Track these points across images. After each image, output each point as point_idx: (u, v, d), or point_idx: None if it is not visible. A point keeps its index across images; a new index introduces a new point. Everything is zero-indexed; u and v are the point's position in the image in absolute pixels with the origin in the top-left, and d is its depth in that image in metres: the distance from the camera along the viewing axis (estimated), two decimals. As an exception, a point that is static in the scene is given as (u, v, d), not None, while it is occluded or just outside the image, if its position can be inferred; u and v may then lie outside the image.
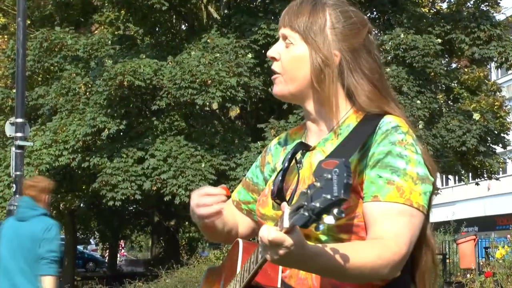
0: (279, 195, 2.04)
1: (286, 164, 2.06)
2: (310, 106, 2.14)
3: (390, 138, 2.00)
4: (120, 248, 52.38)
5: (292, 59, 2.10)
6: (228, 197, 2.25)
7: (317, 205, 1.61)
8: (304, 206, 1.64)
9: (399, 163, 1.97)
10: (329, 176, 1.63)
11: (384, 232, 1.91)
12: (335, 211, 1.61)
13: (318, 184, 1.64)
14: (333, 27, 2.09)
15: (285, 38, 2.13)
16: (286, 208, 1.71)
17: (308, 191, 1.66)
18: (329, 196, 1.60)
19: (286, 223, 1.69)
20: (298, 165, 2.10)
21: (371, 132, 2.02)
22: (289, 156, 2.08)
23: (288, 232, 1.70)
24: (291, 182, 2.09)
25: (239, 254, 2.13)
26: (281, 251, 1.72)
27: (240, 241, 2.17)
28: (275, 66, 2.14)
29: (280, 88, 2.14)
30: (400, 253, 1.89)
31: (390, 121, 2.04)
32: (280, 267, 2.03)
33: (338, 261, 1.80)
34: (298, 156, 2.11)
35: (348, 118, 2.11)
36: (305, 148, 2.13)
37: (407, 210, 1.94)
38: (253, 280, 2.00)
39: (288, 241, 1.70)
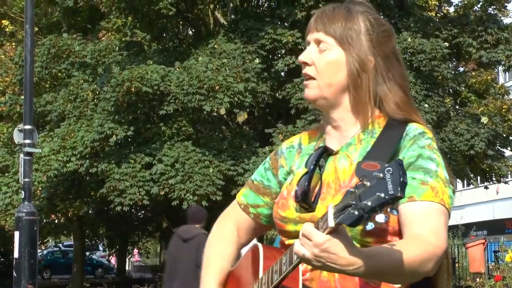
0: (304, 198, 2.02)
1: (311, 167, 2.03)
2: (336, 113, 2.14)
3: (418, 143, 2.05)
4: (134, 254, 52.41)
5: (328, 64, 2.10)
6: None
7: (369, 203, 1.62)
8: (352, 205, 1.65)
9: (431, 165, 2.02)
10: (381, 175, 1.64)
11: (423, 229, 1.94)
12: (389, 209, 1.64)
13: (368, 183, 1.65)
14: (368, 33, 2.10)
15: (318, 42, 2.13)
16: (329, 207, 1.72)
17: (356, 190, 1.67)
18: (383, 195, 1.61)
19: (331, 222, 1.70)
20: (320, 168, 2.09)
21: (399, 138, 2.06)
22: (315, 159, 2.05)
23: (332, 231, 1.73)
24: (313, 186, 2.07)
25: (260, 259, 2.11)
26: (332, 256, 1.76)
27: (260, 245, 2.15)
28: (308, 71, 2.13)
29: (314, 92, 2.13)
30: (442, 247, 1.93)
31: (416, 128, 2.09)
32: (300, 271, 2.02)
33: (389, 259, 1.83)
34: (321, 160, 2.11)
35: (370, 123, 2.12)
36: (327, 152, 2.12)
37: (442, 209, 1.98)
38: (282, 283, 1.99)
39: (335, 246, 1.74)
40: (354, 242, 1.96)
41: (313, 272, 2.03)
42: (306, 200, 2.02)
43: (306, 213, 2.05)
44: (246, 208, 2.37)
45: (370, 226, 1.66)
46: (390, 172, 1.63)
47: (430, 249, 1.90)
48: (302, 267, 2.02)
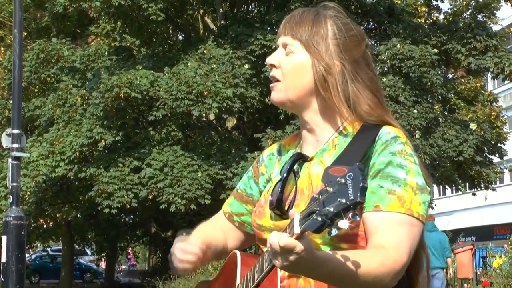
0: (278, 206, 2.03)
1: (285, 175, 2.04)
2: (307, 115, 2.13)
3: (390, 149, 2.02)
4: (129, 257, 52.27)
5: (293, 67, 2.10)
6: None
7: (331, 209, 1.62)
8: (316, 211, 1.65)
9: (400, 173, 1.98)
10: (343, 180, 1.64)
11: (385, 241, 1.92)
12: (350, 214, 1.62)
13: (331, 189, 1.65)
14: (335, 37, 2.10)
15: (285, 46, 2.13)
16: (296, 214, 1.71)
17: (320, 197, 1.66)
18: (344, 200, 1.61)
19: (297, 229, 1.69)
20: (295, 175, 2.09)
21: (371, 142, 2.03)
22: (288, 167, 2.06)
23: (298, 238, 1.71)
24: (288, 193, 2.08)
25: (237, 266, 2.11)
26: (292, 257, 1.72)
27: (238, 253, 2.15)
28: (274, 73, 2.13)
29: (279, 95, 2.13)
30: (401, 261, 1.90)
31: (389, 132, 2.05)
32: (279, 278, 2.02)
33: (344, 267, 1.81)
34: (295, 166, 2.10)
35: (345, 128, 2.11)
36: (302, 158, 2.11)
37: (408, 220, 1.95)
38: None
39: (299, 247, 1.71)
40: (328, 248, 1.97)
41: (290, 279, 2.02)
42: (280, 207, 2.03)
43: (281, 220, 2.05)
44: (230, 217, 2.38)
45: (334, 231, 1.64)
46: (351, 177, 1.63)
47: (388, 263, 1.87)
48: (280, 273, 2.02)
